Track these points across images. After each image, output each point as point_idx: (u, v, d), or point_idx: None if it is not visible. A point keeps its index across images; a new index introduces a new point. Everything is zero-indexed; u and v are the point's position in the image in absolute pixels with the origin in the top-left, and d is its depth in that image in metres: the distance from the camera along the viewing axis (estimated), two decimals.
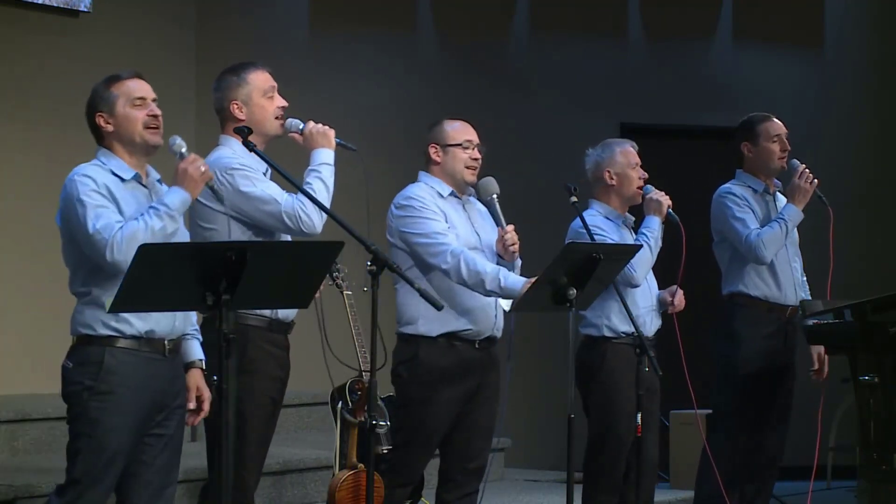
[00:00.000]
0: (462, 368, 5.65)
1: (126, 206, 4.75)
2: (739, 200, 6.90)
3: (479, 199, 5.86)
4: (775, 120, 7.03)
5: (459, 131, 5.84)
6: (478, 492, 5.83)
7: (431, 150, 5.81)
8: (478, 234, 5.79)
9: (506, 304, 5.81)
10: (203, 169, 4.79)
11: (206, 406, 4.93)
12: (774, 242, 6.80)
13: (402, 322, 5.70)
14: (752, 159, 7.01)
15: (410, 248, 5.67)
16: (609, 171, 6.44)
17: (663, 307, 6.51)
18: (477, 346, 5.70)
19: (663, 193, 6.49)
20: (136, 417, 4.74)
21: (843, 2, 10.83)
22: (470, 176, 5.80)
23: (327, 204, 5.20)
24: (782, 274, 6.91)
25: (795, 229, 6.98)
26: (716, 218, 6.92)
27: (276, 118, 5.39)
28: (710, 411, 7.09)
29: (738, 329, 6.89)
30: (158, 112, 4.86)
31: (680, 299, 6.46)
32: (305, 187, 5.19)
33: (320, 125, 5.41)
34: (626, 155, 6.46)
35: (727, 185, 7.01)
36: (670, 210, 6.48)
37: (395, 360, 5.69)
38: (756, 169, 7.01)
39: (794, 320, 6.97)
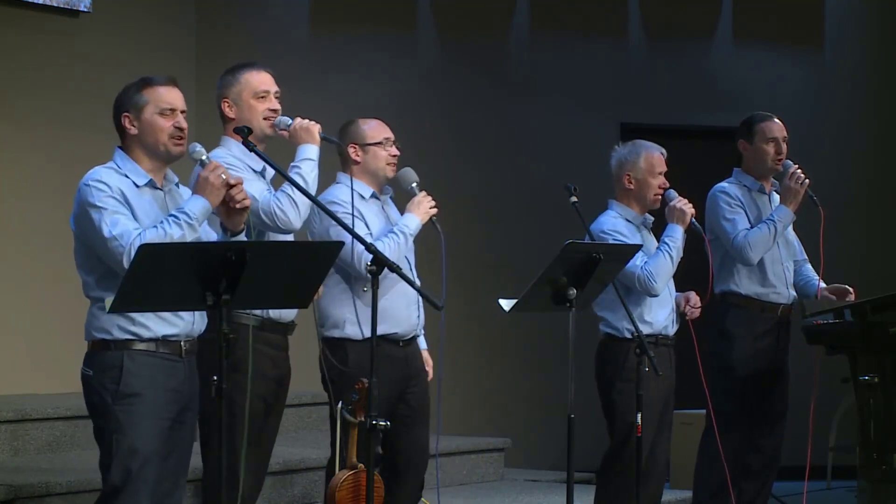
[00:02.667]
0: (391, 367, 5.66)
1: (141, 212, 4.72)
2: (732, 200, 6.89)
3: (402, 189, 5.86)
4: (776, 121, 7.01)
5: (377, 130, 5.87)
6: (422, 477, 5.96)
7: (351, 151, 5.80)
8: None
9: (506, 305, 5.81)
10: (224, 177, 4.75)
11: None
12: (762, 244, 6.78)
13: (328, 326, 5.70)
14: (748, 158, 7.01)
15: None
16: (629, 176, 6.42)
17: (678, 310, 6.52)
18: (401, 345, 5.78)
19: (686, 202, 6.45)
20: (162, 418, 4.73)
21: (843, 2, 10.83)
22: (391, 172, 5.85)
23: (307, 199, 5.17)
24: (774, 273, 6.91)
25: (791, 229, 6.99)
26: (708, 217, 6.92)
27: (265, 119, 5.38)
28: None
29: (730, 328, 6.90)
30: (185, 125, 4.82)
31: (695, 306, 6.46)
32: (284, 183, 5.18)
33: (305, 121, 5.41)
34: (649, 162, 6.43)
35: (722, 183, 7.00)
36: (693, 219, 6.46)
37: (325, 364, 5.63)
38: (751, 168, 7.01)
39: (786, 319, 6.97)
